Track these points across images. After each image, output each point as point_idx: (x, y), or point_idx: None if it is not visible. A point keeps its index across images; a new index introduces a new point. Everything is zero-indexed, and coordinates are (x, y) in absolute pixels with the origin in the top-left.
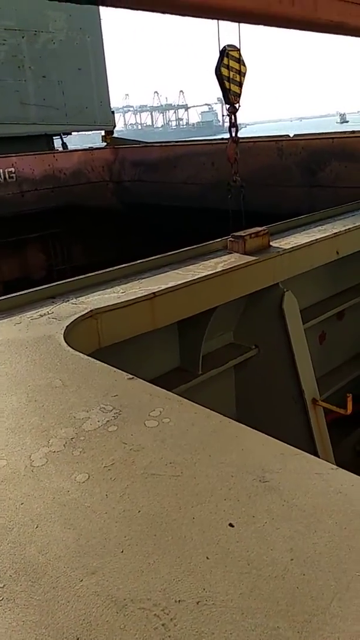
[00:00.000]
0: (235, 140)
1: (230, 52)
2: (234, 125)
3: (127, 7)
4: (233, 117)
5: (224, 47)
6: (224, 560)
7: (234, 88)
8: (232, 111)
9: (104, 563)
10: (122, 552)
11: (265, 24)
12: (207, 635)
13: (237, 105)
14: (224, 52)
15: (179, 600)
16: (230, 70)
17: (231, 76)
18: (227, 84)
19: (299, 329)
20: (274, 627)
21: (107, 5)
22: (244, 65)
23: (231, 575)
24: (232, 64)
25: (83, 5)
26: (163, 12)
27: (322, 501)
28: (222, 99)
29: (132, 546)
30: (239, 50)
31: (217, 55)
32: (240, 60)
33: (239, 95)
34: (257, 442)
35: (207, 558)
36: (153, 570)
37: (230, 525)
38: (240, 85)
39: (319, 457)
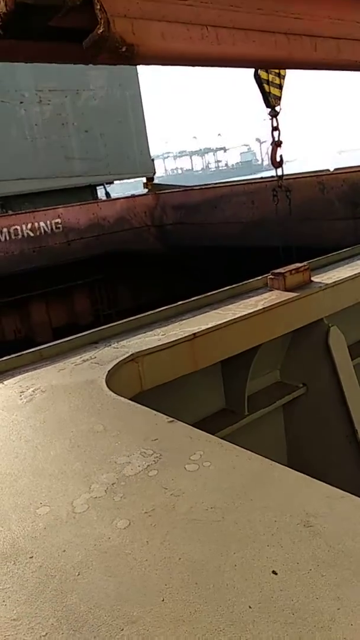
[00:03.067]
0: (278, 144)
1: None
2: (276, 129)
3: (156, 64)
4: (275, 120)
5: None
6: (268, 609)
7: (274, 91)
8: (273, 114)
9: (145, 612)
10: (163, 600)
11: (290, 68)
12: None
13: (277, 109)
14: None
15: None
16: (269, 73)
17: (270, 79)
18: (266, 87)
19: (348, 364)
20: None
21: (137, 64)
22: None
23: (275, 626)
24: None
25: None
26: (193, 65)
27: None
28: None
29: (172, 594)
30: None
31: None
32: None
33: (280, 98)
34: (301, 484)
35: (250, 607)
36: (194, 619)
37: (274, 572)
38: (280, 87)
39: None
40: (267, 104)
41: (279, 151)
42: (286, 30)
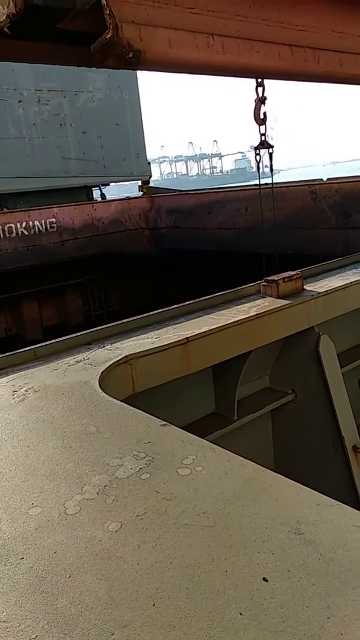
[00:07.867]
0: (262, 100)
1: None
2: (260, 84)
3: (162, 70)
4: None
5: None
6: (258, 617)
7: None
8: None
9: (136, 616)
10: (154, 605)
11: (293, 80)
12: None
13: None
14: None
15: None
16: None
17: None
18: None
19: (337, 372)
20: None
21: (143, 70)
22: None
23: (265, 634)
24: None
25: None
26: (198, 74)
27: None
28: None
29: (164, 599)
30: None
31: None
32: None
33: None
34: (292, 492)
35: (241, 614)
36: (185, 625)
37: (264, 579)
38: None
39: None
40: None
41: (263, 109)
42: (290, 42)
